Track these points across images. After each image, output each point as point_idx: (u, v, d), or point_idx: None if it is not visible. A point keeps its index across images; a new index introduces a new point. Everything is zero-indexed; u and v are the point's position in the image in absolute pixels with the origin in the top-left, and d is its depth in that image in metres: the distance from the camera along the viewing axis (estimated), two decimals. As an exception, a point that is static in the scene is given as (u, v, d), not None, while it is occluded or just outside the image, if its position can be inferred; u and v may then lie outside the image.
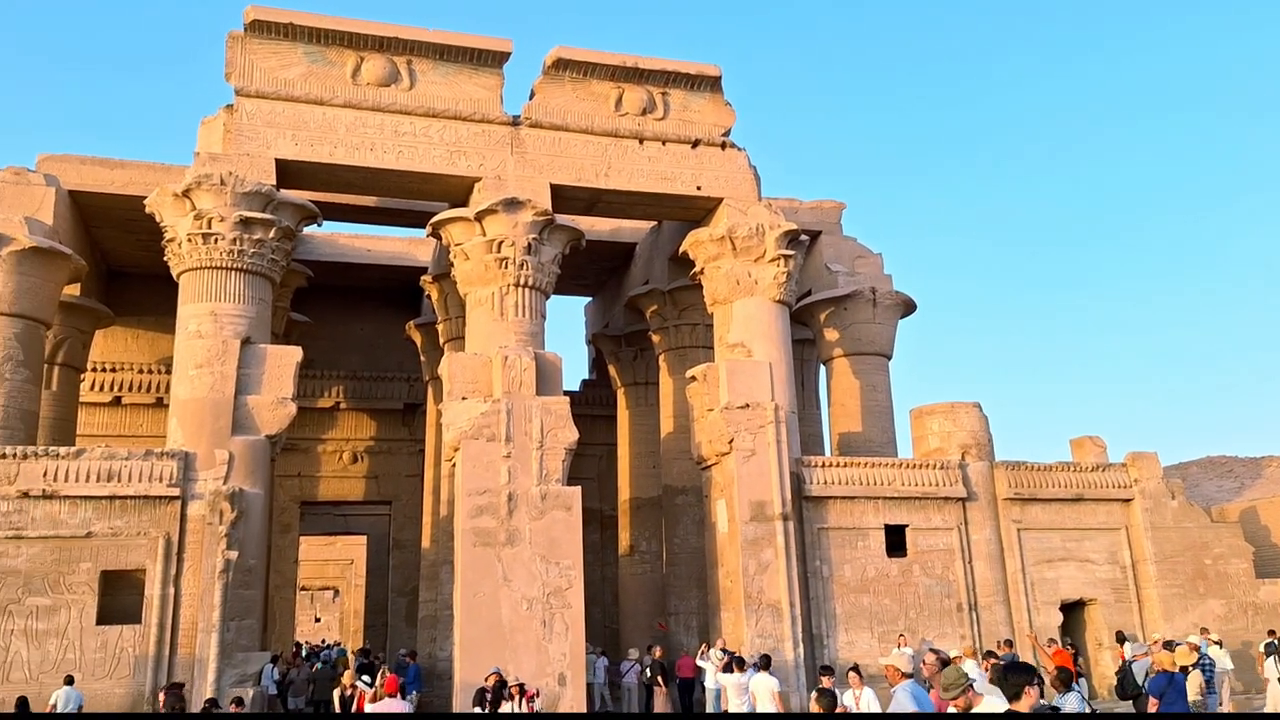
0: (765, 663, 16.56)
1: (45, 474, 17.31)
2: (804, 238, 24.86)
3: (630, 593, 27.61)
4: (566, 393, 21.70)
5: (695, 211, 24.30)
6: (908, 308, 27.94)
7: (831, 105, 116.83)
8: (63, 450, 18.05)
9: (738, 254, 23.21)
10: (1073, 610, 23.03)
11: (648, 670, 21.61)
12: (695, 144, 23.67)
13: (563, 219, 22.50)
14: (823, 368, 28.82)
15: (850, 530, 21.78)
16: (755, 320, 23.15)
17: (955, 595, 21.90)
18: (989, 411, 24.42)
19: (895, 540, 22.08)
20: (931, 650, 9.71)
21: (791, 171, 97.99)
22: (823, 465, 22.15)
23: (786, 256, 23.34)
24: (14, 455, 17.43)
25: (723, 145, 23.91)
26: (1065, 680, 10.82)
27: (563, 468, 19.92)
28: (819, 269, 27.67)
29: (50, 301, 22.29)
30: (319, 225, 23.34)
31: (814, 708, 8.90)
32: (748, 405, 21.27)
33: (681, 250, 24.53)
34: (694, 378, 22.60)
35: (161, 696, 9.08)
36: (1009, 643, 20.53)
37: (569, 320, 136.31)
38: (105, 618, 17.05)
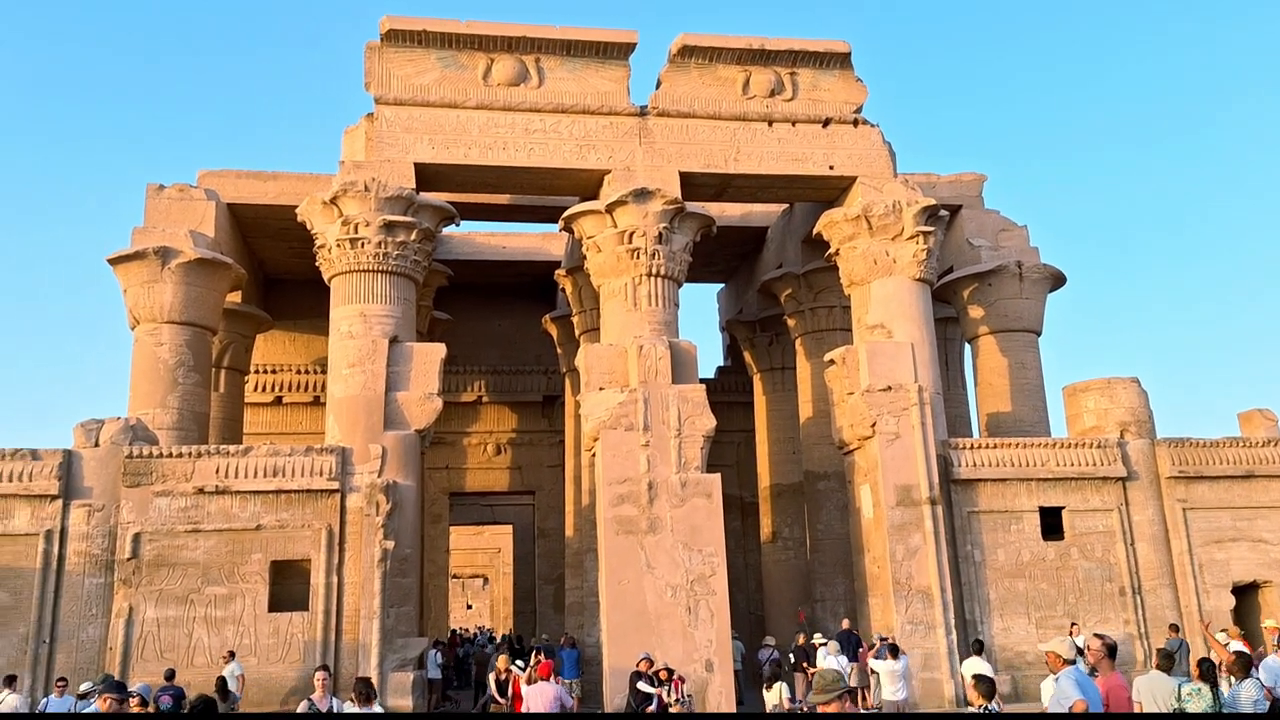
0: (893, 651, 16.26)
1: (218, 471, 18.43)
2: (943, 213, 24.09)
3: (774, 580, 27.45)
4: (702, 380, 21.69)
5: (828, 192, 23.87)
6: (1056, 281, 26.74)
7: (965, 75, 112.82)
8: (232, 448, 19.17)
9: (874, 233, 22.68)
10: (1245, 593, 21.63)
11: (790, 656, 21.44)
12: (826, 123, 23.24)
13: (693, 206, 22.48)
14: (968, 346, 27.91)
15: (1002, 514, 21.06)
16: (895, 300, 22.59)
17: (1117, 579, 20.89)
18: (1147, 387, 23.12)
19: (1051, 523, 21.22)
20: (1096, 636, 9.25)
21: (927, 146, 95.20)
22: (971, 447, 21.47)
23: (925, 233, 22.67)
24: (189, 454, 18.63)
25: (855, 122, 23.40)
26: (1244, 666, 10.16)
27: (701, 455, 19.95)
28: (960, 244, 26.78)
29: (215, 309, 23.70)
30: (457, 225, 24.03)
31: (971, 695, 8.62)
32: (890, 387, 20.81)
33: (815, 232, 24.14)
34: (833, 361, 22.24)
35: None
36: (1175, 627, 19.47)
37: (702, 308, 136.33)
38: (276, 605, 18.05)
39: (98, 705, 8.54)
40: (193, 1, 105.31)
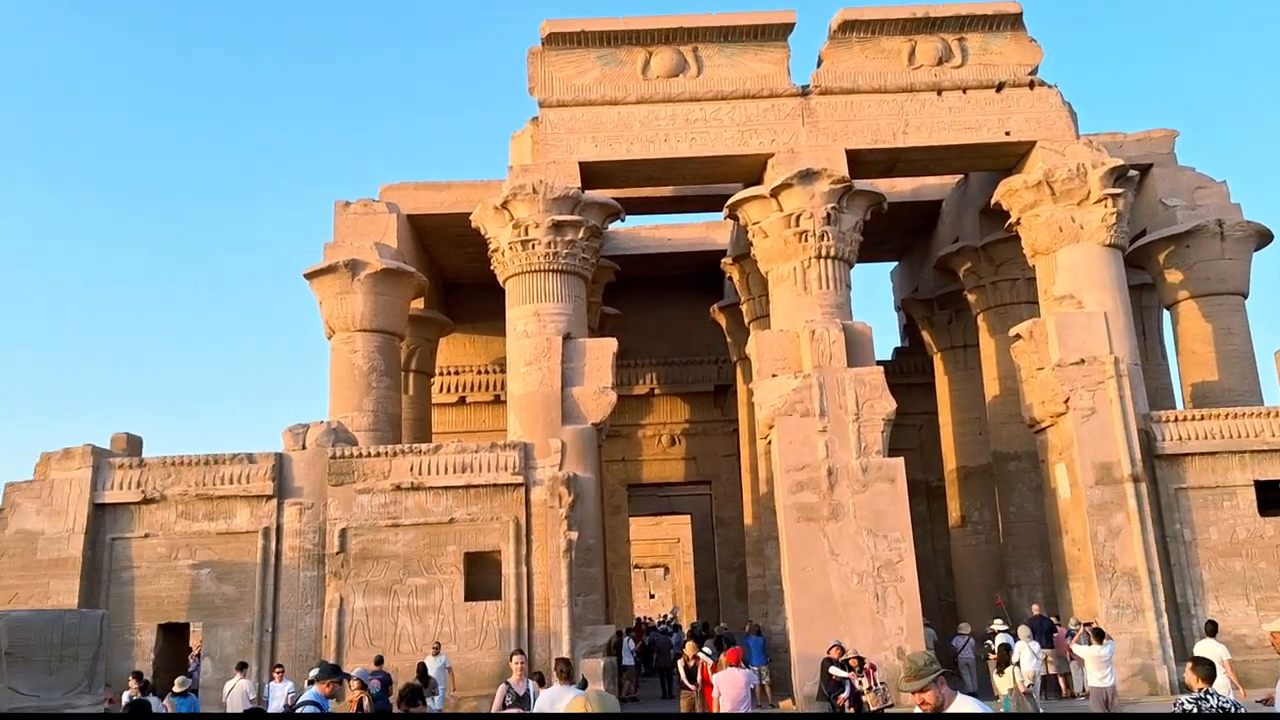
0: (1098, 635, 15.35)
1: (412, 469, 19.37)
2: (1132, 173, 22.60)
3: (964, 565, 26.52)
4: (879, 362, 21.18)
5: (1005, 159, 22.81)
6: (1262, 239, 24.64)
7: (1145, 27, 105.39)
8: (424, 447, 20.10)
9: (1057, 198, 21.51)
10: None
11: (988, 643, 20.63)
12: (999, 87, 22.20)
13: (861, 184, 21.94)
14: (1166, 313, 26.10)
15: (1213, 489, 19.63)
16: (1083, 268, 21.36)
17: (1351, 558, 19.07)
18: (1377, 347, 20.92)
19: (1269, 498, 19.62)
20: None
21: (1110, 105, 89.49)
22: (1175, 420, 20.09)
23: (1114, 196, 21.31)
24: (386, 454, 19.66)
25: (1030, 85, 22.26)
26: None
27: (882, 439, 19.48)
28: (1152, 205, 25.05)
29: (401, 316, 24.93)
30: (622, 221, 24.38)
31: (1189, 678, 8.04)
32: (1082, 360, 19.72)
33: (993, 202, 23.12)
34: (1019, 336, 21.26)
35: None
36: None
37: (876, 288, 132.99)
38: (471, 594, 18.83)
39: (319, 690, 9.13)
40: (365, 23, 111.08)
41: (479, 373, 30.86)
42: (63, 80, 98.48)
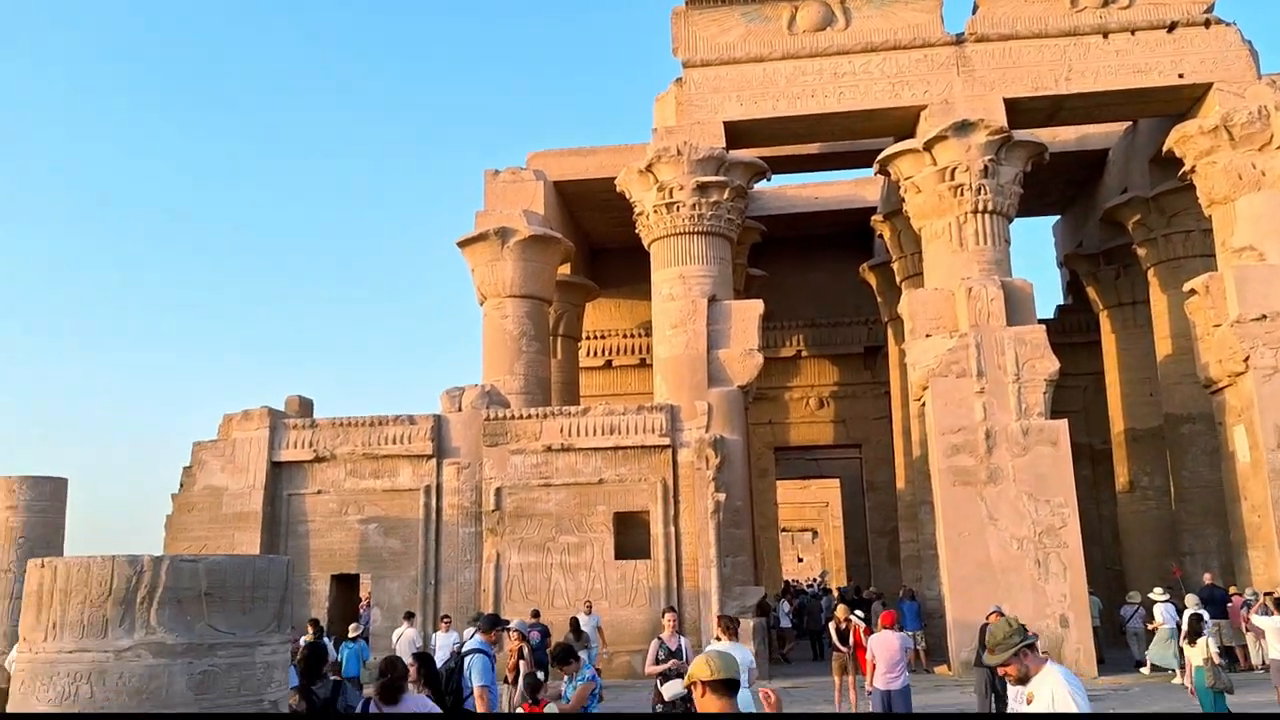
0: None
1: (562, 430, 19.81)
2: (1325, 112, 20.72)
3: (1132, 532, 25.27)
4: (1041, 321, 20.30)
5: (1178, 103, 21.32)
6: None
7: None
8: (572, 409, 20.52)
9: (1236, 144, 19.97)
10: None
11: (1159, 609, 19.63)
12: (1171, 27, 20.71)
13: (1020, 134, 20.93)
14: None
15: None
16: (1265, 218, 19.81)
17: None
18: None
19: None
20: None
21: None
22: (1374, 379, 18.46)
23: (1303, 137, 19.63)
24: (537, 416, 20.17)
25: (1205, 23, 20.68)
26: None
27: (1043, 400, 18.70)
28: (1349, 146, 22.92)
29: (549, 282, 25.41)
30: (768, 180, 24.06)
31: None
32: (1264, 316, 18.37)
33: (1165, 149, 21.66)
34: (1194, 291, 19.96)
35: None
36: None
37: (1036, 243, 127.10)
38: (621, 553, 19.19)
39: (482, 638, 9.50)
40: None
41: (625, 336, 31.20)
42: (229, 36, 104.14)
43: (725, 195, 21.88)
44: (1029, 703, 4.88)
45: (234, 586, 5.50)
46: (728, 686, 4.13)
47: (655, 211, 22.26)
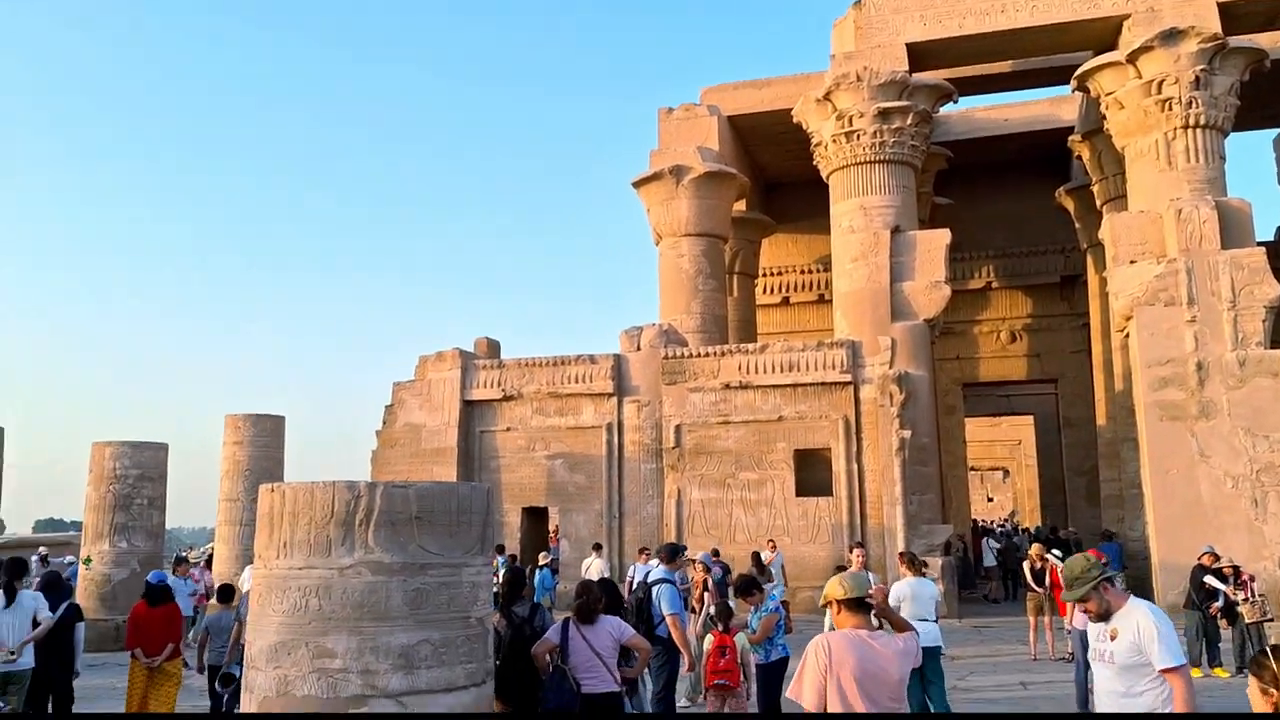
0: None
1: (740, 368, 19.80)
2: None
3: (1365, 473, 23.07)
4: (1260, 243, 18.61)
5: None
6: None
7: None
8: (750, 347, 20.44)
9: None
10: None
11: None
12: None
13: (1236, 41, 19.05)
14: None
15: None
16: None
17: None
18: None
19: None
20: None
21: None
22: None
23: None
24: (715, 354, 20.22)
25: None
26: None
27: (1262, 329, 17.23)
28: None
29: (724, 219, 25.25)
30: (954, 103, 22.91)
31: None
32: None
33: None
34: None
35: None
36: None
37: (1255, 160, 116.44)
38: (802, 490, 19.12)
39: (667, 567, 9.70)
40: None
41: (802, 272, 30.71)
42: None
43: (908, 121, 21.03)
44: (1112, 639, 4.56)
45: (441, 511, 5.82)
46: (860, 605, 4.45)
47: (834, 141, 21.66)
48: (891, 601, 9.98)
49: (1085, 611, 4.70)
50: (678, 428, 19.83)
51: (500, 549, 15.67)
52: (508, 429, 21.08)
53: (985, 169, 29.29)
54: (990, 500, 54.67)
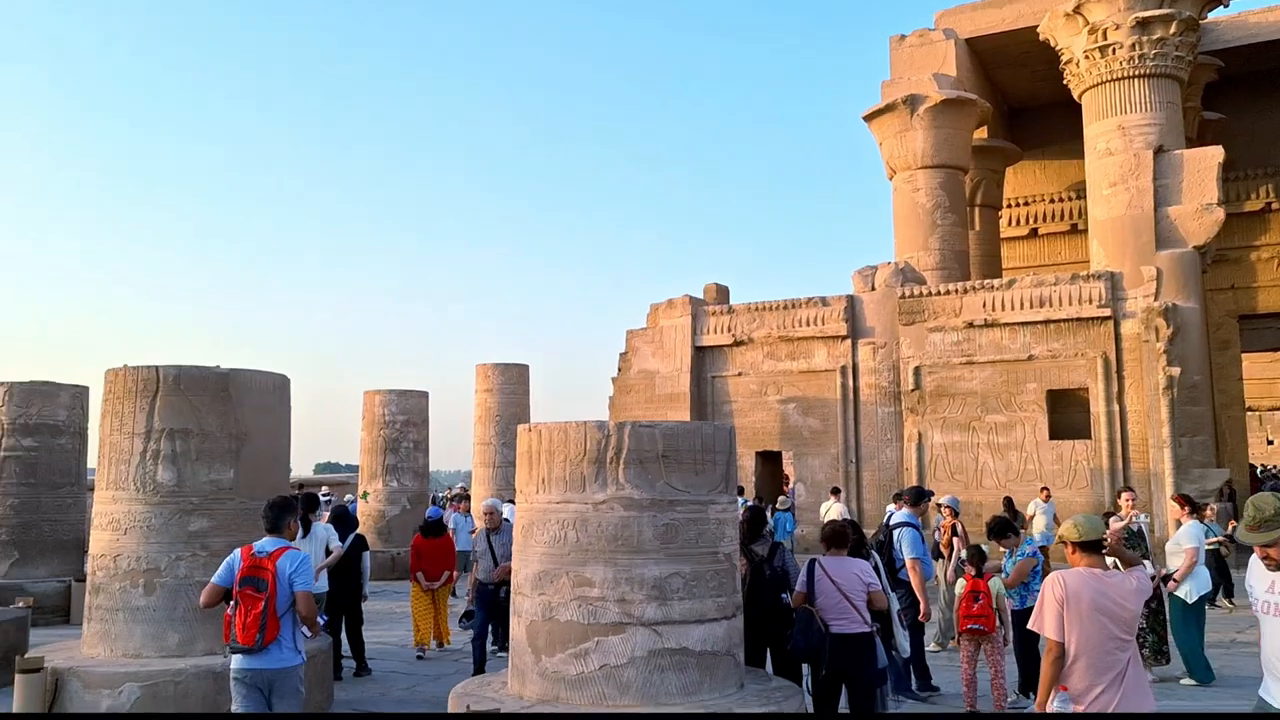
0: None
1: (984, 305, 18.86)
2: None
3: None
4: None
5: None
6: None
7: None
8: (996, 282, 19.41)
9: None
10: None
11: None
12: None
13: None
14: None
15: None
16: None
17: None
18: None
19: None
20: None
21: None
22: None
23: None
24: (956, 291, 19.36)
25: None
26: None
27: None
28: None
29: (963, 148, 23.94)
30: (1225, 6, 20.59)
31: None
32: None
33: None
34: None
35: None
36: None
37: None
38: (1055, 433, 18.07)
39: (909, 511, 9.46)
40: None
41: (1051, 201, 28.71)
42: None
43: (1171, 30, 19.06)
44: None
45: (686, 450, 5.93)
46: (1093, 546, 4.56)
47: (1086, 57, 20.00)
48: (1169, 546, 9.31)
49: (1265, 558, 4.27)
50: (917, 369, 19.20)
51: (740, 491, 15.86)
52: (739, 374, 21.17)
53: (1263, 78, 26.13)
54: (1270, 444, 49.56)
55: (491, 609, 9.51)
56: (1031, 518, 15.31)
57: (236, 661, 5.52)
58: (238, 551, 5.70)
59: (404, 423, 19.96)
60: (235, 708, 5.57)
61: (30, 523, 13.76)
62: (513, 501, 18.57)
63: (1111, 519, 9.61)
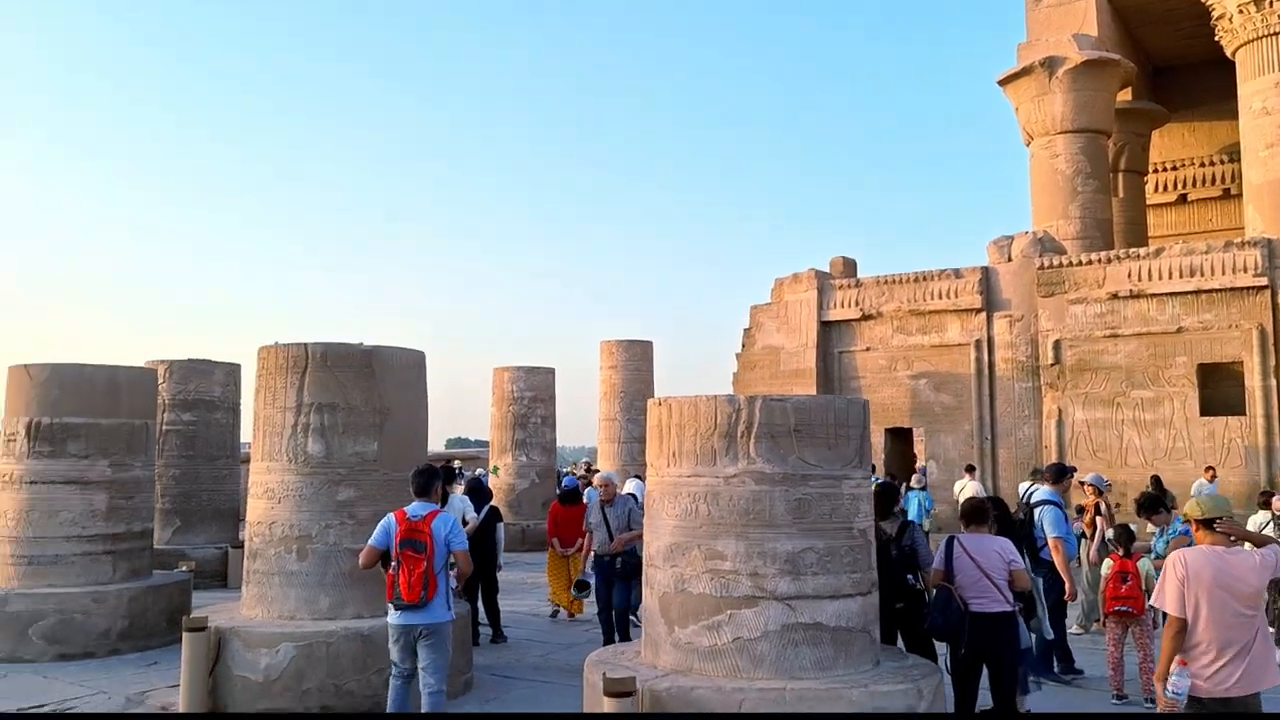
0: None
1: (1129, 275, 17.96)
2: None
3: None
4: None
5: None
6: None
7: None
8: (1142, 251, 18.45)
9: None
10: None
11: None
12: None
13: None
14: None
15: None
16: None
17: None
18: None
19: None
20: None
21: None
22: None
23: None
24: (1099, 261, 18.48)
25: None
26: None
27: None
28: None
29: (1106, 112, 22.78)
30: (1406, -57, 18.86)
31: None
32: None
33: None
34: None
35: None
36: None
37: None
38: (1206, 409, 17.10)
39: (1050, 488, 9.14)
40: None
41: (1202, 165, 27.10)
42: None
43: (1342, -27, 17.65)
44: None
45: (819, 424, 5.87)
46: (1213, 525, 4.72)
47: (1240, 12, 18.74)
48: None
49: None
50: (1056, 343, 18.46)
51: (872, 468, 15.58)
52: (867, 349, 20.77)
53: None
54: None
55: (608, 580, 9.53)
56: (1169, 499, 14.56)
57: (397, 617, 6.02)
58: (391, 516, 6.21)
59: (531, 399, 20.39)
60: (394, 658, 6.13)
61: (190, 492, 14.68)
62: (639, 476, 18.81)
63: (1274, 499, 9.06)
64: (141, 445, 10.55)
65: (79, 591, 9.64)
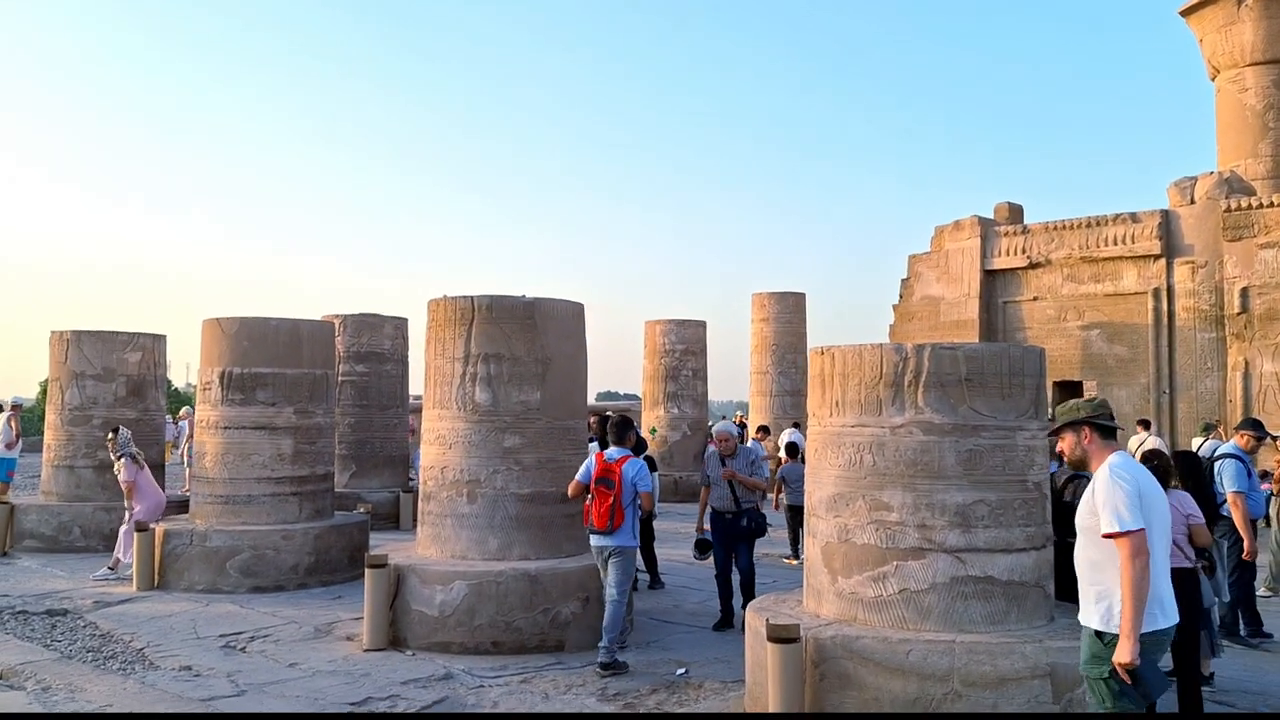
0: None
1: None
2: None
3: None
4: None
5: None
6: None
7: None
8: (1346, 189, 16.91)
9: None
10: None
11: None
12: None
13: None
14: None
15: None
16: None
17: None
18: None
19: None
20: None
21: None
22: None
23: None
24: (1295, 200, 17.05)
25: None
26: None
27: None
28: None
29: (1305, 37, 20.83)
30: None
31: None
32: None
33: None
34: None
35: None
36: None
37: None
38: None
39: (1238, 441, 8.60)
40: None
41: None
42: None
43: None
44: None
45: (991, 373, 5.68)
46: None
47: None
48: None
49: (1060, 452, 4.41)
50: (1244, 291, 17.22)
51: (1051, 417, 14.96)
52: (1034, 298, 19.90)
53: None
54: None
55: (725, 542, 8.86)
56: None
57: (594, 540, 7.29)
58: (593, 456, 7.55)
59: (683, 351, 20.48)
60: (602, 573, 7.34)
61: (364, 440, 15.51)
62: (796, 426, 18.75)
63: None
64: (323, 394, 11.18)
65: (270, 529, 10.37)
